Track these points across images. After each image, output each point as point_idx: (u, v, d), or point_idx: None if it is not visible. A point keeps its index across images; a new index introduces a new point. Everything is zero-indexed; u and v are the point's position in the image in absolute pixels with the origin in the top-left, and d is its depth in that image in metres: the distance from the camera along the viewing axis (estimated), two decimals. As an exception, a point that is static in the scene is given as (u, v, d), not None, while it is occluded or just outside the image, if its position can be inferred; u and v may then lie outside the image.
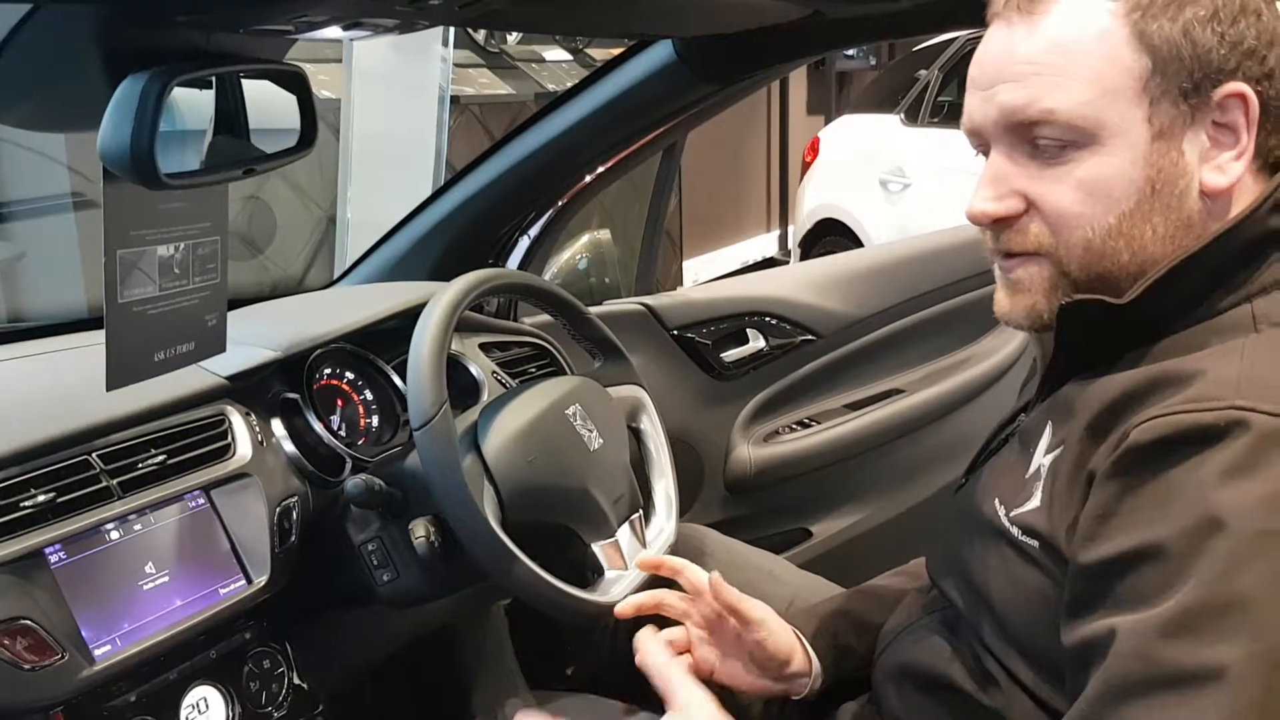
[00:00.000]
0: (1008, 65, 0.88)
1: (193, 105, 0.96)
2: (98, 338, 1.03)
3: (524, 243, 1.81)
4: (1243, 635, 0.72)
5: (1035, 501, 0.89)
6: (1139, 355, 0.87)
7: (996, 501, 0.93)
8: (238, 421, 1.25)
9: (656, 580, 1.21)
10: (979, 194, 0.91)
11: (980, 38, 0.93)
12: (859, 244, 5.19)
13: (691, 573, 1.16)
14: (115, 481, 1.12)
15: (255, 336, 1.36)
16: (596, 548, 1.27)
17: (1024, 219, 0.90)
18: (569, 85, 1.72)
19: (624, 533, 1.31)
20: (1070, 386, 0.92)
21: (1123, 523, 0.79)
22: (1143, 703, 0.74)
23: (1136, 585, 0.76)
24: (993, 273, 0.96)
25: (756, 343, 2.04)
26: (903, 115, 5.27)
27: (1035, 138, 0.87)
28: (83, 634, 1.04)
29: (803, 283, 2.11)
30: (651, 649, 1.09)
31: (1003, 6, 0.89)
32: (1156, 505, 0.77)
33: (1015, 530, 0.90)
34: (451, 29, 3.50)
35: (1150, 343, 0.87)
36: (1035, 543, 0.87)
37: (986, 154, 0.93)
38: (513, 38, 4.92)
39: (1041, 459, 0.91)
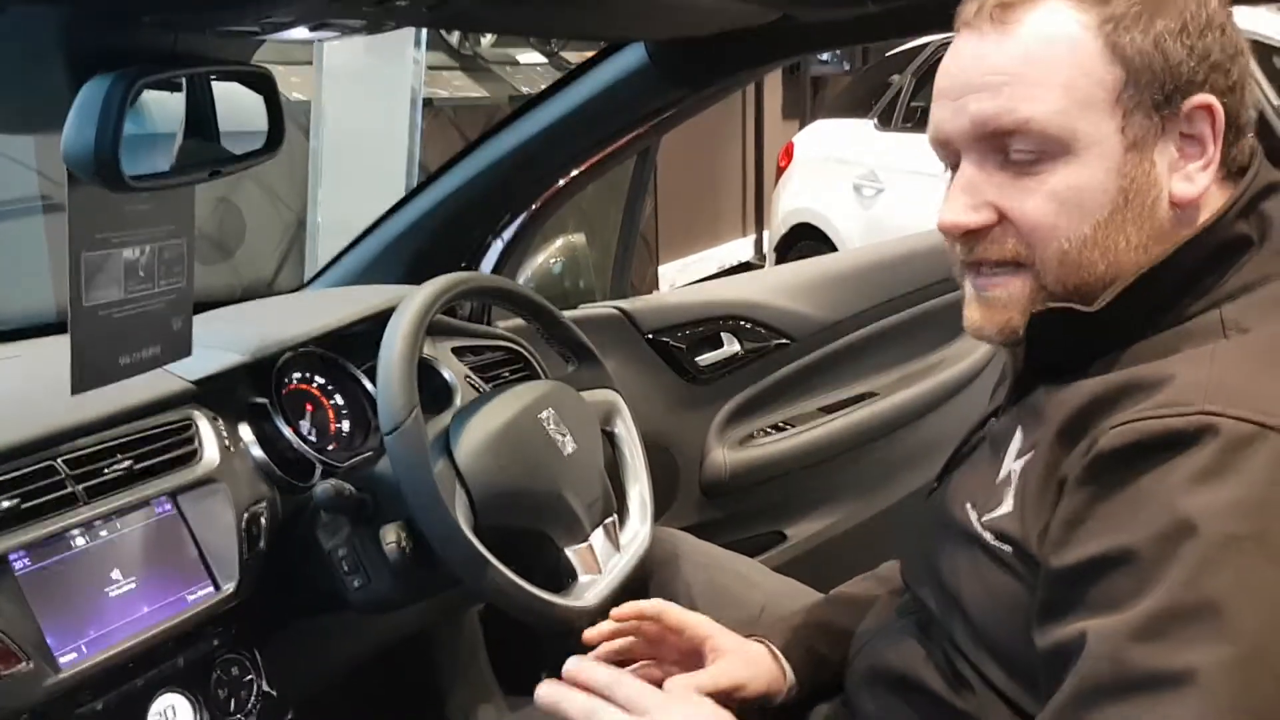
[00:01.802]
0: (980, 75, 0.87)
1: (160, 107, 0.95)
2: (63, 342, 1.01)
3: (497, 246, 1.80)
4: (1212, 640, 0.72)
5: (1007, 506, 0.89)
6: (1109, 361, 0.87)
7: (968, 505, 0.93)
8: (205, 426, 1.24)
9: (632, 585, 1.20)
10: (950, 205, 0.90)
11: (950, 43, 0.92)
12: (833, 248, 5.20)
13: (675, 613, 1.13)
14: (81, 487, 1.11)
15: (223, 340, 1.34)
16: (570, 552, 1.27)
17: (998, 230, 0.89)
18: (543, 88, 1.71)
19: (598, 537, 1.30)
20: (1040, 392, 0.92)
21: (1094, 528, 0.79)
22: (1113, 706, 0.74)
23: (1107, 589, 0.77)
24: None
25: (731, 346, 2.03)
26: (876, 120, 5.28)
27: (1008, 148, 0.87)
28: (48, 641, 1.02)
29: (777, 287, 2.11)
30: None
31: (973, 16, 0.89)
32: (1127, 511, 0.77)
33: (988, 535, 0.90)
34: (424, 31, 3.49)
35: (1121, 349, 0.87)
36: (1008, 547, 0.87)
37: (954, 166, 0.92)
38: (486, 40, 4.92)
39: (1012, 464, 0.91)
